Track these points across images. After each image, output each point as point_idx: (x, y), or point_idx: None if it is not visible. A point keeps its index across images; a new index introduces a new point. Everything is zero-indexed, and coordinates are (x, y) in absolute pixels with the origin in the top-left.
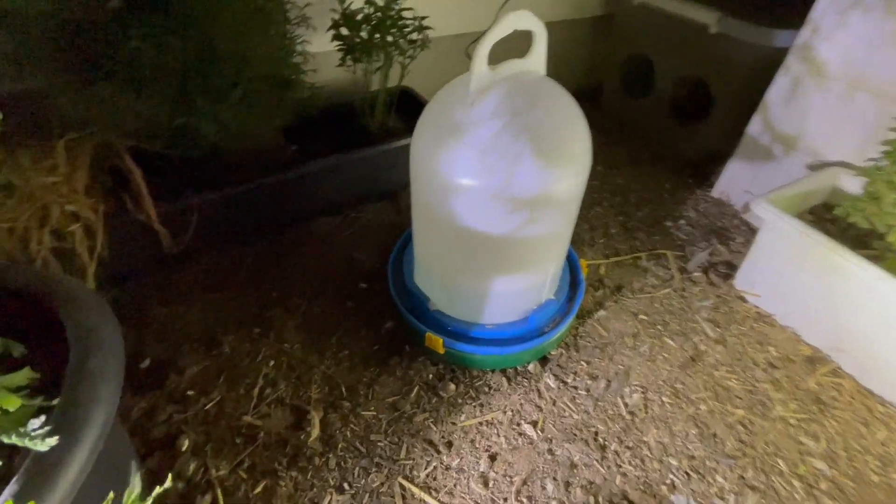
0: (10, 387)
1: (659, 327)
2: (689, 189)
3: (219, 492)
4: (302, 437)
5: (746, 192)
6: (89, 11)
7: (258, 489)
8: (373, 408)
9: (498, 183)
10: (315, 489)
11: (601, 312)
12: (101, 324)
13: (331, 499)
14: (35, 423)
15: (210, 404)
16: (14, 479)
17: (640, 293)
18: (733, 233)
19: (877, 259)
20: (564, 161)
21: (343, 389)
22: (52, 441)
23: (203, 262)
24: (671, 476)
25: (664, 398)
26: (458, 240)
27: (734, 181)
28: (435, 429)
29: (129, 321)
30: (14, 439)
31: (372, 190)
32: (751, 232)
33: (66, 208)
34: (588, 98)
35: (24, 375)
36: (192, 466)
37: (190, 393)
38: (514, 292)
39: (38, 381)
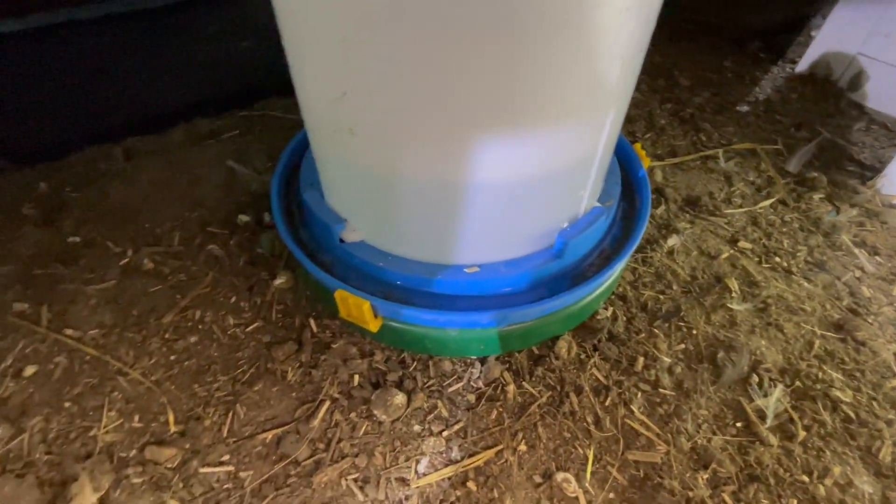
0: None
1: (778, 259)
2: (761, 65)
3: None
4: None
5: (862, 55)
6: None
7: None
8: (228, 455)
9: None
10: None
11: (673, 240)
12: None
13: None
14: None
15: None
16: None
17: (728, 207)
18: (843, 119)
19: None
20: None
21: (170, 417)
22: None
23: None
24: None
25: (833, 393)
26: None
27: (837, 44)
28: (362, 496)
29: None
30: None
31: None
32: (866, 117)
33: None
34: None
35: None
36: None
37: None
38: (529, 180)
39: None
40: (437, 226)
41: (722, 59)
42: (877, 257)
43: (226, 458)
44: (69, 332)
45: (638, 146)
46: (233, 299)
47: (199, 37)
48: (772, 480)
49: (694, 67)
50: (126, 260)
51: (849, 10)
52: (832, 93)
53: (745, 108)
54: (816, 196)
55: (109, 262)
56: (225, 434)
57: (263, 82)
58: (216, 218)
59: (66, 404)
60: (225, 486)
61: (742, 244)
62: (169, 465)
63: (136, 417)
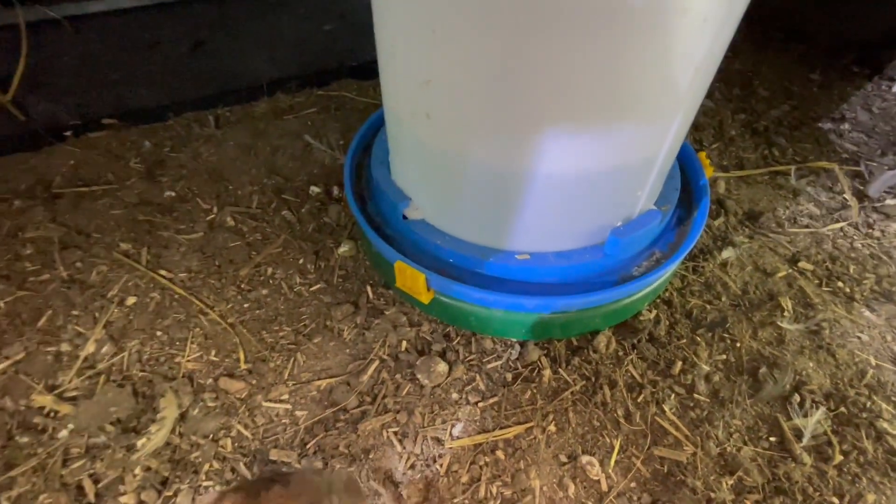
0: None
1: (841, 284)
2: (853, 80)
3: None
4: (138, 443)
5: None
6: None
7: None
8: (287, 395)
9: None
10: None
11: (728, 253)
12: None
13: None
14: None
15: (2, 365)
16: None
17: (792, 226)
18: None
19: None
20: None
21: (241, 355)
22: None
23: (78, 144)
24: None
25: (880, 424)
26: (464, 17)
27: None
28: (399, 449)
29: None
30: None
31: (354, 54)
32: None
33: None
34: None
35: None
36: None
37: None
38: (587, 177)
39: None
40: (495, 212)
41: (810, 71)
42: None
43: (285, 397)
44: (163, 272)
45: (703, 155)
46: (300, 261)
47: (288, 17)
48: (799, 497)
49: (776, 77)
50: (212, 216)
51: None
52: None
53: (827, 126)
54: (895, 225)
55: (198, 217)
56: (286, 377)
57: (341, 64)
58: (291, 186)
59: (158, 333)
60: (283, 421)
61: (803, 264)
62: (238, 396)
63: (213, 352)
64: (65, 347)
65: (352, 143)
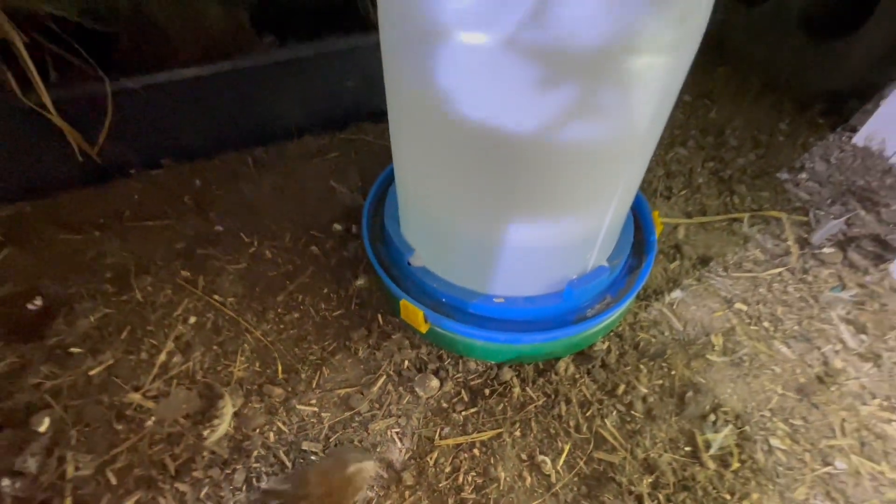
0: None
1: (766, 324)
2: (817, 131)
3: (68, 501)
4: (205, 433)
5: None
6: None
7: (130, 502)
8: (314, 400)
9: (520, 20)
10: None
11: (676, 294)
12: None
13: None
14: None
15: (96, 369)
16: None
17: (736, 270)
18: (884, 196)
19: None
20: None
21: (279, 368)
22: None
23: (139, 180)
24: None
25: (773, 440)
26: (451, 143)
27: (893, 121)
28: (399, 445)
29: (29, 246)
30: None
31: (370, 103)
32: None
33: None
34: None
35: None
36: (39, 458)
37: (75, 350)
38: (544, 248)
39: None
40: (478, 266)
41: (779, 121)
42: (862, 335)
43: (313, 402)
44: (216, 296)
45: (656, 214)
46: (325, 290)
47: (319, 77)
48: (700, 493)
49: (747, 127)
50: (253, 249)
51: None
52: (881, 168)
53: (785, 175)
54: (826, 271)
55: (241, 249)
56: (314, 386)
57: (359, 111)
58: (317, 223)
59: (214, 347)
60: (311, 420)
61: (738, 306)
62: (277, 399)
63: (257, 364)
64: (143, 356)
65: (368, 195)
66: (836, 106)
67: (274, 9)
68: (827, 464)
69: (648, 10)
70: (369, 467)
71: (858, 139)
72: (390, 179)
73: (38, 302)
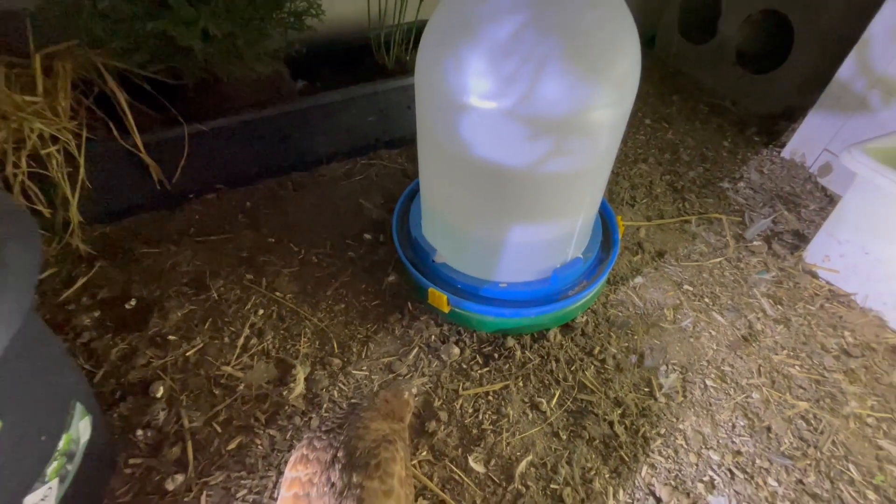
0: None
1: (706, 300)
2: (754, 148)
3: (189, 444)
4: (284, 393)
5: (827, 150)
6: None
7: (232, 445)
8: (365, 367)
9: (516, 98)
10: (292, 451)
11: (638, 279)
12: (16, 224)
13: None
14: None
15: (191, 351)
16: None
17: (685, 261)
18: (804, 199)
19: None
20: (605, 75)
21: (335, 345)
22: None
23: (199, 203)
24: (710, 473)
25: (708, 381)
26: (468, 175)
27: (811, 139)
28: (433, 395)
29: (118, 260)
30: None
31: (385, 133)
32: (826, 199)
33: (45, 130)
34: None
35: None
36: (163, 415)
37: (172, 338)
38: (534, 245)
39: None
40: (486, 261)
41: (723, 140)
42: (778, 306)
43: (364, 368)
44: (277, 293)
45: (619, 218)
46: (363, 286)
47: (345, 115)
48: (654, 418)
49: (697, 145)
50: (301, 255)
51: (819, 115)
52: (803, 177)
53: (727, 185)
54: (755, 259)
55: (292, 256)
56: (363, 356)
57: (378, 140)
58: (351, 233)
59: (282, 331)
60: (364, 381)
61: (685, 287)
62: (336, 367)
63: (317, 343)
64: (226, 340)
65: (395, 210)
66: (768, 126)
67: (307, 60)
68: (746, 395)
69: (595, 88)
70: (416, 393)
71: (785, 153)
72: (410, 196)
73: (133, 303)
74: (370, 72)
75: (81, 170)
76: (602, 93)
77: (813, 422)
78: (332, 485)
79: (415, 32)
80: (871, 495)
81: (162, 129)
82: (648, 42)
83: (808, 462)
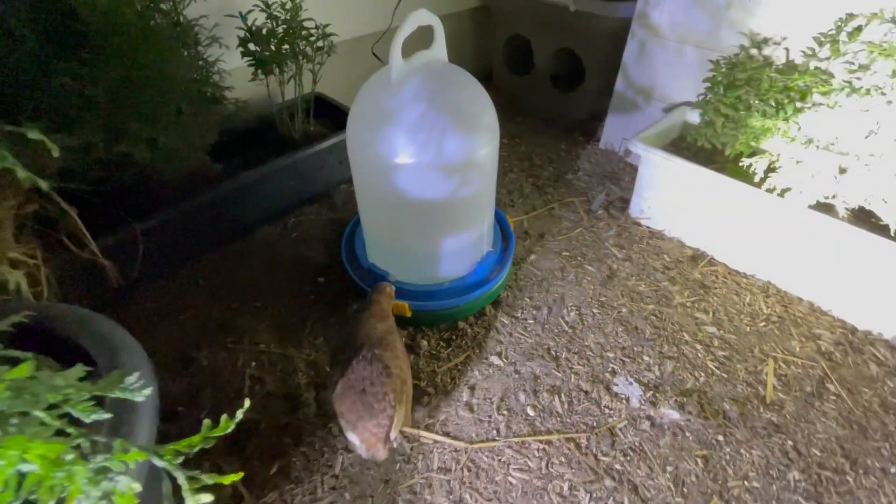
0: (71, 378)
1: (579, 258)
2: (581, 145)
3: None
4: (301, 416)
5: (624, 139)
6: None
7: (273, 470)
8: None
9: (431, 156)
10: (326, 455)
11: (532, 257)
12: (116, 328)
13: (342, 459)
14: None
15: (202, 414)
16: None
17: (559, 236)
18: (621, 174)
19: (721, 170)
20: (480, 130)
21: (327, 368)
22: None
23: (155, 288)
24: (611, 365)
25: (594, 310)
26: (406, 211)
27: (614, 133)
28: (418, 379)
29: None
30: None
31: (305, 193)
32: (634, 170)
33: (8, 255)
34: (481, 80)
35: (79, 370)
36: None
37: (179, 409)
38: (461, 248)
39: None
40: (431, 267)
41: (559, 144)
42: (623, 249)
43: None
44: (261, 345)
45: (508, 216)
46: (332, 318)
47: (269, 184)
48: (568, 342)
49: (544, 151)
50: (268, 309)
51: (613, 116)
52: (617, 159)
53: (570, 176)
54: (601, 223)
55: (260, 312)
56: None
57: (301, 199)
58: (305, 280)
59: (278, 373)
60: None
61: (564, 254)
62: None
63: (312, 372)
64: (232, 396)
65: (342, 250)
66: (584, 128)
67: (221, 146)
68: (618, 311)
69: (477, 137)
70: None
71: (602, 145)
72: (350, 238)
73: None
74: (280, 144)
75: (45, 288)
76: (482, 139)
77: (659, 315)
78: (364, 357)
79: (313, 104)
80: (699, 346)
81: (113, 232)
82: (486, 78)
83: (662, 340)
